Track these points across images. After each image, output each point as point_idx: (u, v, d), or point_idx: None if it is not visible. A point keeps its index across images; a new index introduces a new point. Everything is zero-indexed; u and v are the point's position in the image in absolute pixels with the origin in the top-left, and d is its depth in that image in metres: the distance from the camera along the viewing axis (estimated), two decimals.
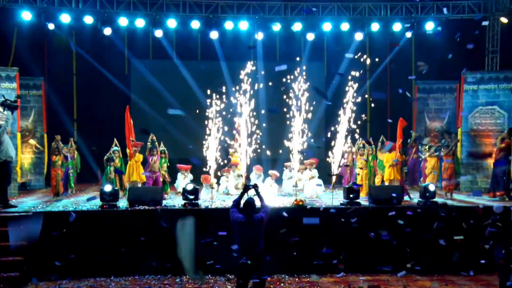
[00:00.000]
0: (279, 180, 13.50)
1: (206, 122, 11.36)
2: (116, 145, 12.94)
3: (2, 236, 9.18)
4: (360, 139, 13.13)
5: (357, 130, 11.64)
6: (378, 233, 9.68)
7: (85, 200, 11.22)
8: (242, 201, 7.22)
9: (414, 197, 11.71)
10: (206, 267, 9.67)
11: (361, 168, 12.92)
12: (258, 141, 12.00)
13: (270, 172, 13.22)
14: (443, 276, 9.62)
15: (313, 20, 16.18)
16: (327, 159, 11.63)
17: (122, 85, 16.72)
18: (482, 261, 9.32)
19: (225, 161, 12.81)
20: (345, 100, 11.20)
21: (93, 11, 15.35)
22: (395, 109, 16.30)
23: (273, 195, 12.51)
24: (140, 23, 15.66)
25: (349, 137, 12.07)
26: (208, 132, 11.27)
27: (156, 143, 12.75)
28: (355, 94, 11.14)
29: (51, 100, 15.75)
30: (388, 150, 12.28)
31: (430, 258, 9.89)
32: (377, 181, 12.97)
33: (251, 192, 7.52)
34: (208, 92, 11.58)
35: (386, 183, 12.45)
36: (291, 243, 9.57)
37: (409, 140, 15.30)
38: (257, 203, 7.16)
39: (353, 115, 11.21)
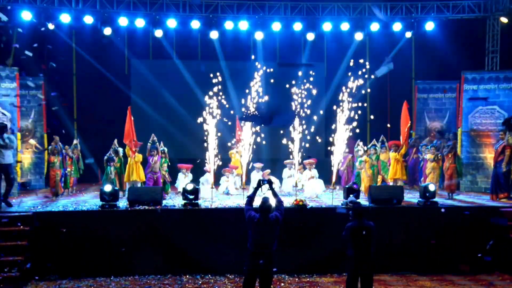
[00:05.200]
0: (279, 179, 13.51)
1: (202, 119, 11.29)
2: (116, 145, 12.95)
3: (2, 236, 9.20)
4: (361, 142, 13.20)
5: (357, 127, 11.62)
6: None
7: (85, 200, 11.20)
8: (256, 198, 7.12)
9: (413, 197, 11.74)
10: (206, 267, 9.71)
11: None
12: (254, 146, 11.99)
13: (264, 172, 13.27)
14: (443, 276, 9.62)
15: (313, 20, 16.17)
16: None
17: (122, 85, 16.72)
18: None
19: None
20: (344, 100, 11.20)
21: (93, 11, 15.33)
22: (395, 109, 16.27)
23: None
24: (140, 23, 15.64)
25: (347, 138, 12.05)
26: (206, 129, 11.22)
27: (157, 143, 12.75)
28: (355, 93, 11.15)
29: (51, 100, 15.75)
30: None
31: (430, 258, 9.90)
32: (378, 181, 13.01)
33: (265, 188, 7.35)
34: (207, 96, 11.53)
35: (391, 182, 12.50)
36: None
37: (409, 140, 15.32)
38: (272, 200, 7.05)
39: (353, 113, 11.20)
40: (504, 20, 15.07)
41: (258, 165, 13.62)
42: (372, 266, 7.03)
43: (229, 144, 14.06)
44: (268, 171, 13.37)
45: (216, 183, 12.46)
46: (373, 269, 7.10)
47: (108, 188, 10.19)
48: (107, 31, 15.56)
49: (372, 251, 7.00)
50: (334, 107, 11.22)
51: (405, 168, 13.66)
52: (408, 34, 16.37)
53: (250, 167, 13.05)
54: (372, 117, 15.63)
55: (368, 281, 6.98)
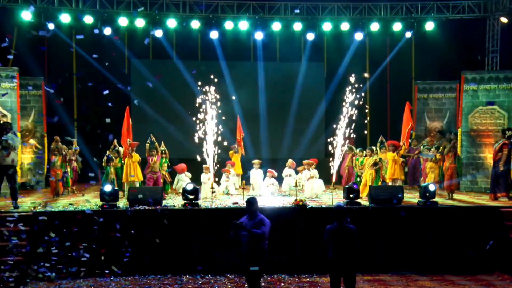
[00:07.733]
0: (279, 179, 13.50)
1: (202, 118, 11.28)
2: (116, 146, 12.96)
3: (1, 236, 9.19)
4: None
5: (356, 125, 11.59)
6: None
7: (85, 200, 11.20)
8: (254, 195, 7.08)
9: (413, 197, 11.73)
10: (206, 267, 9.71)
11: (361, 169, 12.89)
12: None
13: (268, 170, 13.24)
14: (443, 276, 9.62)
15: (313, 20, 16.17)
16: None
17: (122, 85, 16.69)
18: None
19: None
20: (344, 100, 11.20)
21: (93, 11, 15.35)
22: (395, 109, 16.31)
23: (272, 194, 12.52)
24: (140, 23, 15.65)
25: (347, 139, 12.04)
26: (202, 127, 11.20)
27: (156, 143, 12.74)
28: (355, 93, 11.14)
29: (51, 100, 15.74)
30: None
31: (430, 258, 9.91)
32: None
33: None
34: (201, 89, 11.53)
35: (389, 182, 12.48)
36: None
37: (410, 140, 15.32)
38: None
39: (354, 111, 11.19)
40: (504, 20, 15.09)
41: (257, 162, 13.60)
42: (353, 267, 6.93)
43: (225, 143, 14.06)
44: (275, 174, 13.21)
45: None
46: (354, 269, 7.01)
47: (108, 188, 10.17)
48: (107, 31, 15.55)
49: (354, 254, 6.90)
50: (334, 107, 11.21)
51: (404, 168, 13.66)
52: (408, 34, 16.37)
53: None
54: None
55: (351, 282, 6.92)
